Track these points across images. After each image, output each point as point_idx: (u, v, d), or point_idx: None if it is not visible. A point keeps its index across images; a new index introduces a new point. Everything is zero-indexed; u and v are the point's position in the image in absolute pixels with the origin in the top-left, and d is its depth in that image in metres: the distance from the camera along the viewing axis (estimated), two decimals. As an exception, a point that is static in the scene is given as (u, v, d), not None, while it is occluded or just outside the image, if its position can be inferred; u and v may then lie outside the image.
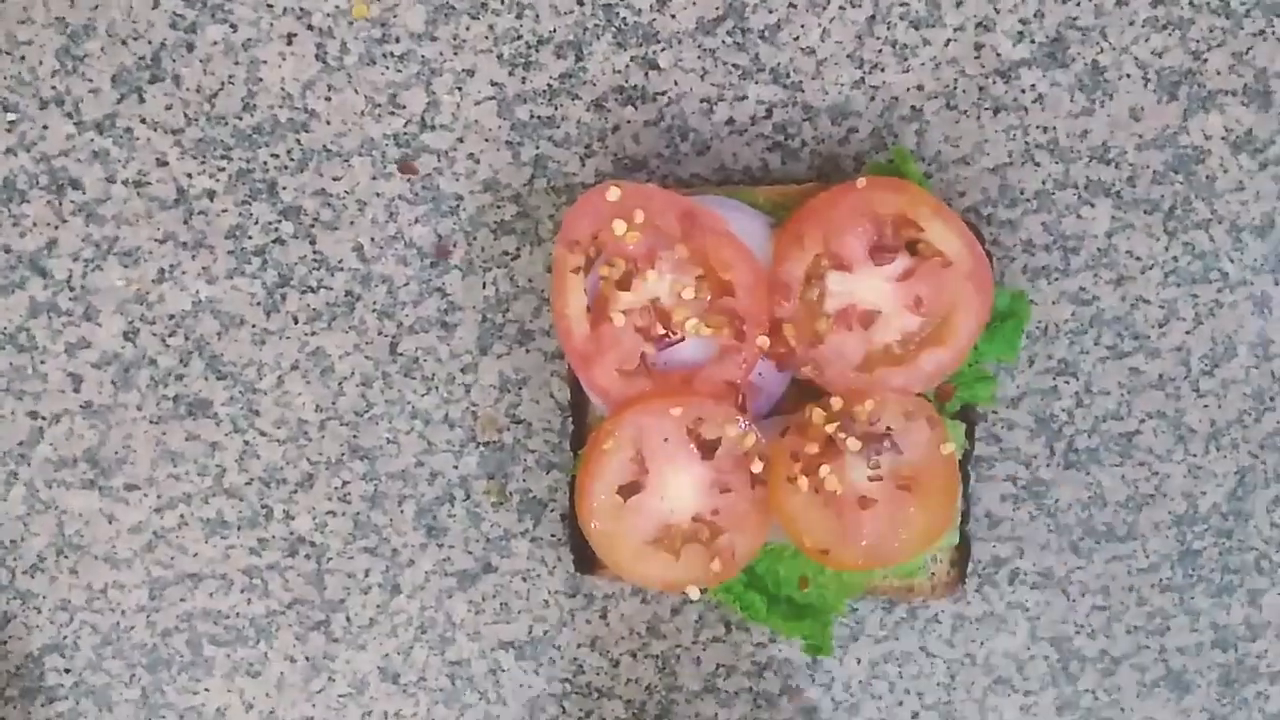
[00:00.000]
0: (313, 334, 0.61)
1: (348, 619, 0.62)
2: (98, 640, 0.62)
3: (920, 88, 0.59)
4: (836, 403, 0.55)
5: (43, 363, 0.61)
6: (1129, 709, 0.63)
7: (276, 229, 0.61)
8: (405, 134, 0.60)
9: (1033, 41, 0.59)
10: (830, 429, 0.54)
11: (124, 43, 0.60)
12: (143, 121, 0.60)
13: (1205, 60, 0.59)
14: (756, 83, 0.59)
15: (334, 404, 0.61)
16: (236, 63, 0.60)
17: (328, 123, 0.60)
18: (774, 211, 0.57)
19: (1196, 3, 0.59)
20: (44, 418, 0.61)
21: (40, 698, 0.63)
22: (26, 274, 0.61)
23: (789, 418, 0.56)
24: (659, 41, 0.59)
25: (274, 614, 0.62)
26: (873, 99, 0.59)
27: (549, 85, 0.60)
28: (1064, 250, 0.60)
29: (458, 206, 0.60)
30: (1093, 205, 0.60)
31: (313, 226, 0.61)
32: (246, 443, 0.61)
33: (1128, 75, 0.59)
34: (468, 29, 0.59)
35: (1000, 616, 0.62)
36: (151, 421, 0.61)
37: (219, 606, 0.62)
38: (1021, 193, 0.60)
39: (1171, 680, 0.62)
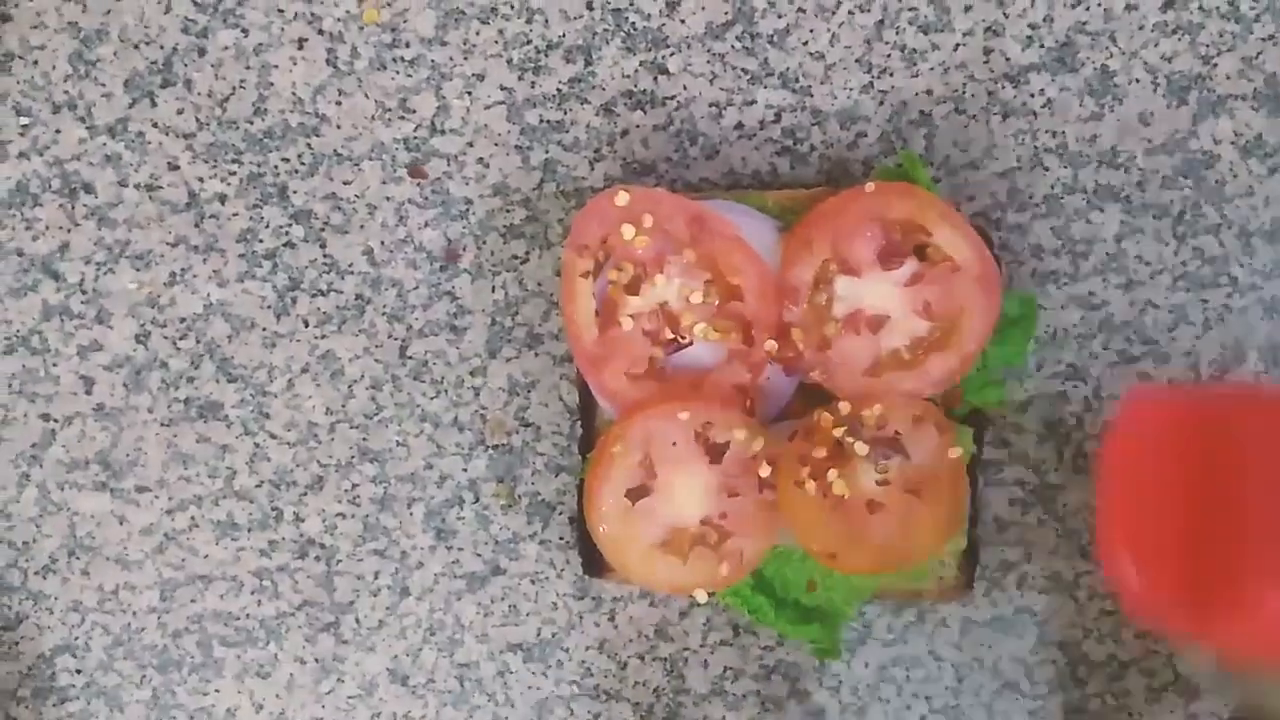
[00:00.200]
0: (323, 337, 0.61)
1: (357, 621, 0.63)
2: (109, 641, 0.63)
3: (929, 92, 0.59)
4: (845, 407, 0.55)
5: (55, 365, 0.61)
6: (1137, 714, 0.62)
7: (287, 233, 0.61)
8: (415, 138, 0.60)
9: (1042, 46, 0.59)
10: (838, 433, 0.54)
11: (136, 47, 0.60)
12: (154, 126, 0.60)
13: (1215, 65, 0.59)
14: (765, 87, 0.60)
15: (344, 407, 0.62)
16: (248, 67, 0.60)
17: (338, 127, 0.60)
18: (782, 216, 0.57)
19: (1206, 7, 0.59)
20: (56, 420, 0.62)
21: (52, 698, 0.63)
22: (39, 277, 0.61)
23: (797, 422, 0.56)
24: (668, 46, 0.59)
25: (284, 615, 0.62)
26: (881, 103, 0.59)
27: (558, 90, 0.60)
28: (1073, 255, 0.60)
29: (467, 210, 0.61)
30: (1102, 210, 0.60)
31: (323, 230, 0.61)
32: (257, 445, 0.62)
33: (1137, 80, 0.59)
34: (477, 34, 0.60)
35: (1008, 620, 0.62)
36: (163, 424, 0.62)
37: (229, 608, 0.62)
38: (1030, 197, 0.60)
39: (1180, 685, 0.62)
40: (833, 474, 0.54)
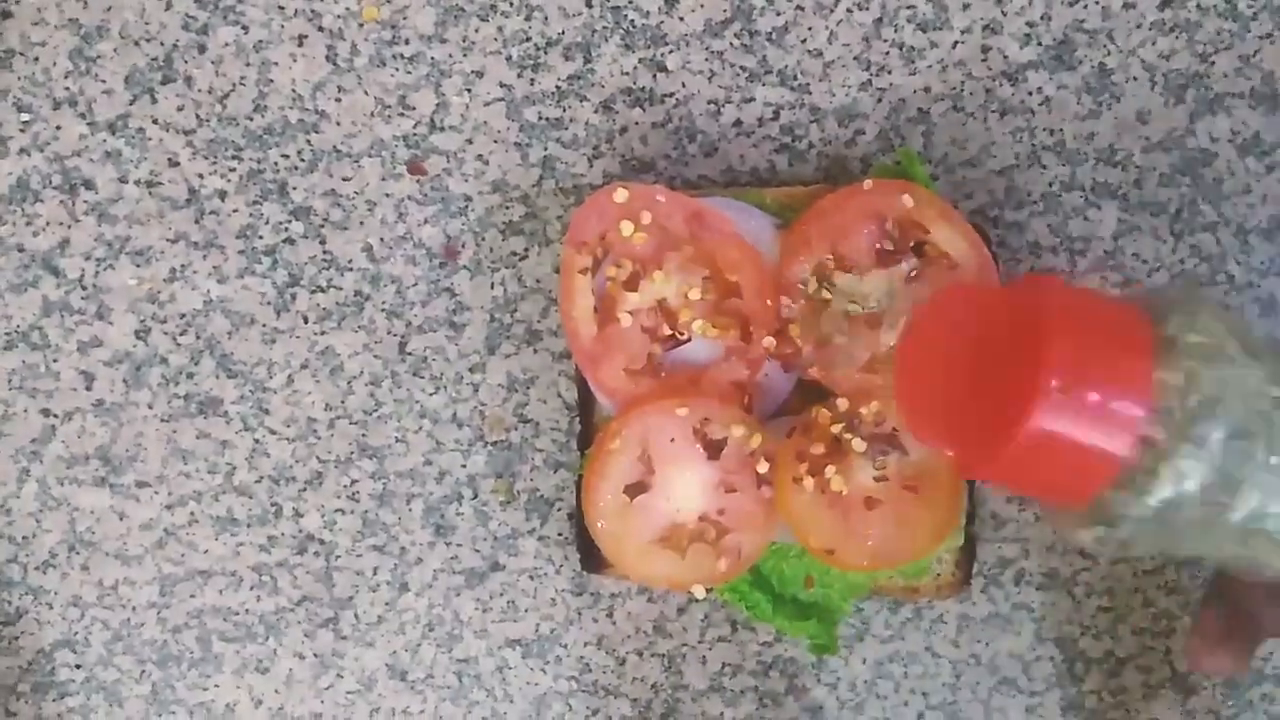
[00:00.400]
0: (322, 333, 0.61)
1: (356, 616, 0.63)
2: (108, 636, 0.63)
3: (927, 90, 0.60)
4: (842, 403, 0.55)
5: (55, 361, 0.61)
6: (1134, 710, 0.63)
7: (287, 229, 0.61)
8: (414, 135, 0.60)
9: (1039, 44, 0.59)
10: (836, 430, 0.55)
11: (136, 44, 0.60)
12: (155, 122, 0.60)
13: (1212, 63, 0.59)
14: (764, 85, 0.60)
15: (343, 403, 0.62)
16: (248, 64, 0.60)
17: (338, 124, 0.60)
18: (781, 213, 0.57)
19: (1204, 5, 0.59)
20: (56, 415, 0.62)
21: (51, 693, 0.63)
22: (39, 273, 0.61)
23: (795, 418, 0.56)
24: (667, 44, 0.60)
25: (283, 611, 0.63)
26: (880, 101, 0.60)
27: (557, 87, 0.60)
28: (1070, 252, 0.60)
29: (466, 207, 0.61)
30: (1099, 207, 0.60)
31: (323, 227, 0.61)
32: (256, 441, 0.62)
33: (1134, 78, 0.59)
34: (477, 31, 0.60)
35: (1005, 617, 0.62)
36: (162, 419, 0.62)
37: (229, 603, 0.63)
38: (1028, 195, 0.60)
39: (1176, 682, 0.62)
40: (830, 470, 0.54)
